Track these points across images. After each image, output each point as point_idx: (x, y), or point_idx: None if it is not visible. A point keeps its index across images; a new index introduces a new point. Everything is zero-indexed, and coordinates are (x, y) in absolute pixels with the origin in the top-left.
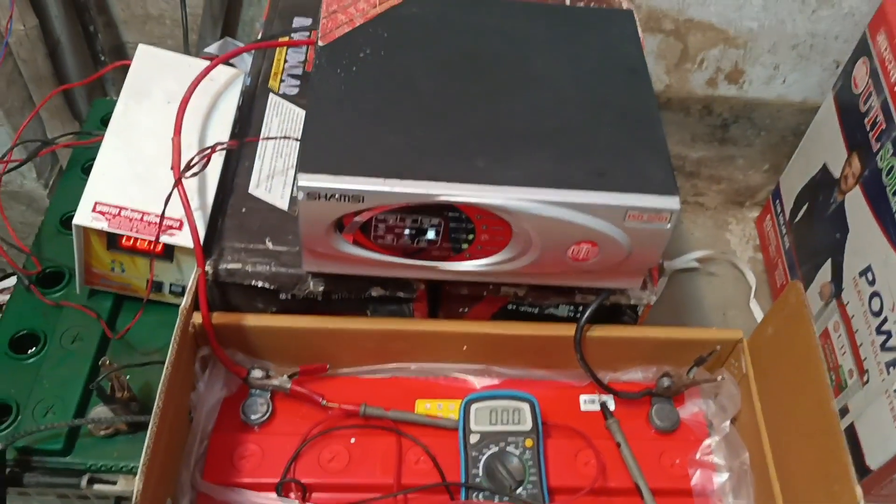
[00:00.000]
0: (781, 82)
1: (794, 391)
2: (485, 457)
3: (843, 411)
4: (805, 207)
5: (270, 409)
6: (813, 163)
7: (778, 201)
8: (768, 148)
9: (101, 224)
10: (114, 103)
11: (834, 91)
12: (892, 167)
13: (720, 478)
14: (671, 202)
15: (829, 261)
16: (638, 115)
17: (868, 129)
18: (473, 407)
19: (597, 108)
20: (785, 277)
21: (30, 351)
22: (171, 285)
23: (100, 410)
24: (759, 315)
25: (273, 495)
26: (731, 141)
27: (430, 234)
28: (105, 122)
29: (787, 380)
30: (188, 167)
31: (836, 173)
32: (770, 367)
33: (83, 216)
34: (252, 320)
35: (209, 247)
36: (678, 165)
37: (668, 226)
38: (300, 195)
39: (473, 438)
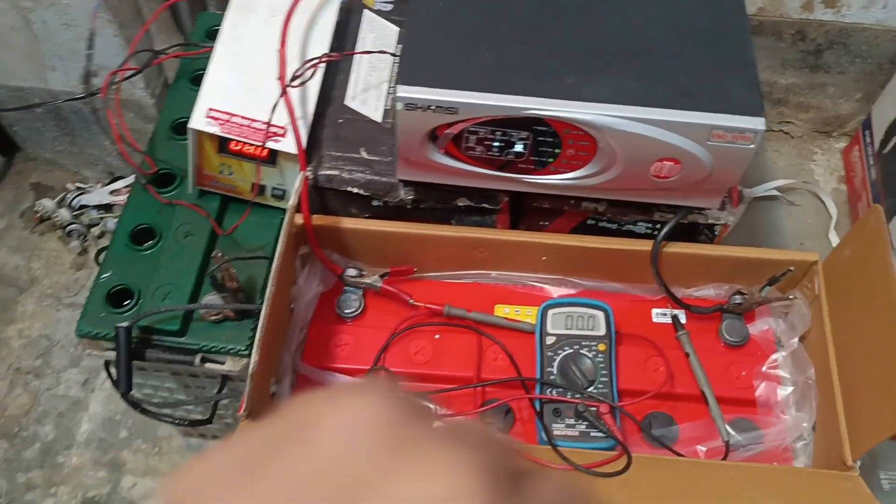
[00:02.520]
0: (882, 7)
1: (866, 312)
2: (559, 357)
3: None
4: None
5: (362, 304)
6: None
7: (868, 132)
8: (862, 76)
9: (215, 129)
10: (217, 17)
11: None
12: None
13: (784, 391)
14: (756, 122)
15: None
16: (728, 36)
17: None
18: (551, 312)
19: (687, 29)
20: (868, 209)
21: (147, 244)
22: (272, 189)
23: (211, 298)
24: None
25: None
26: (824, 68)
27: (518, 147)
28: (209, 34)
29: (859, 301)
30: (294, 77)
31: None
32: (844, 289)
33: (198, 121)
34: (348, 223)
35: (309, 154)
36: (766, 92)
37: (752, 146)
38: (399, 105)
39: (549, 340)
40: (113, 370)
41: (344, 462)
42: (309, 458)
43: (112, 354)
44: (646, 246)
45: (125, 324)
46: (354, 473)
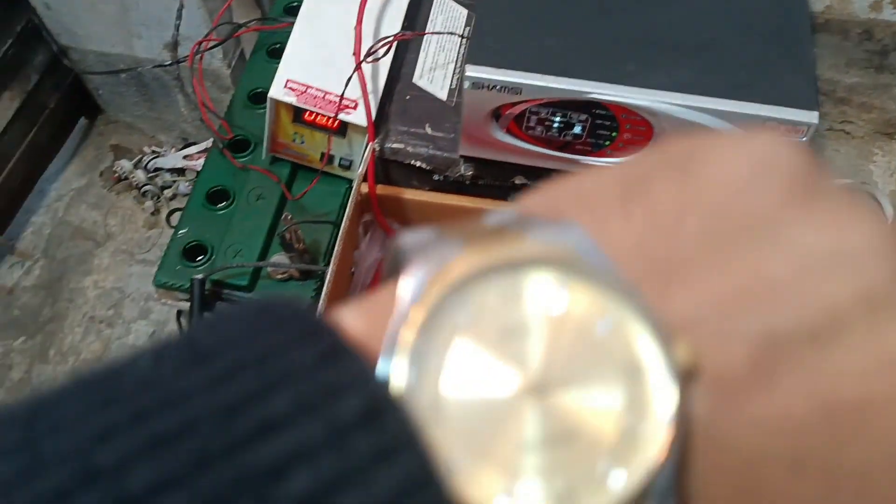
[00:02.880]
0: None
1: None
2: None
3: None
4: None
5: None
6: None
7: None
8: None
9: (291, 99)
10: None
11: None
12: None
13: None
14: (809, 116)
15: None
16: (788, 31)
17: None
18: None
19: (748, 23)
20: None
21: (221, 204)
22: (340, 159)
23: (278, 257)
24: None
25: None
26: (889, 69)
27: (577, 129)
28: (287, 10)
29: None
30: (368, 54)
31: None
32: None
33: (277, 91)
34: (410, 194)
35: (377, 127)
36: (829, 90)
37: (804, 139)
38: (466, 84)
39: None
40: (183, 320)
41: (743, 194)
42: (702, 184)
43: (183, 304)
44: None
45: (200, 276)
46: (753, 207)
